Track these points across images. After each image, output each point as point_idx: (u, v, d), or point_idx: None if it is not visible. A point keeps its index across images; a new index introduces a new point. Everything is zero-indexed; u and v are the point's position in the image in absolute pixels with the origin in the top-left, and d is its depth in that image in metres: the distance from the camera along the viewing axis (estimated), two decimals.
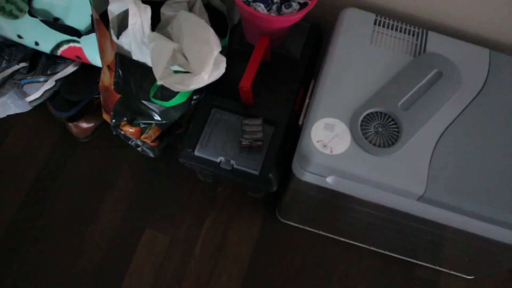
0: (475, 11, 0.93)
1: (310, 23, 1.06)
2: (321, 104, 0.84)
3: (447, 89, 0.87)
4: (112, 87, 1.01)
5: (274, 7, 0.93)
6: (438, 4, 0.94)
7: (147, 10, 0.89)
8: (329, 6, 1.02)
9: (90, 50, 1.19)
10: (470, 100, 0.88)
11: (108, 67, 1.00)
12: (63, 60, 1.27)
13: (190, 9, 1.07)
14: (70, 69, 1.27)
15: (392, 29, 0.94)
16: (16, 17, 1.20)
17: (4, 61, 1.28)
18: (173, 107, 1.02)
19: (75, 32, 1.16)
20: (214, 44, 0.86)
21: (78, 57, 1.22)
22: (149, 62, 0.93)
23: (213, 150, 0.93)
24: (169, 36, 0.96)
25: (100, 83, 1.08)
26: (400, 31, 0.94)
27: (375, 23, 0.94)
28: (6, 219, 1.21)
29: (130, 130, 1.11)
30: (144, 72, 0.93)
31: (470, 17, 0.95)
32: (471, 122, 0.85)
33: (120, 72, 0.95)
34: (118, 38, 0.94)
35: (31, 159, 1.28)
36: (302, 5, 0.92)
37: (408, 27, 0.94)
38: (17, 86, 1.24)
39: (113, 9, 0.95)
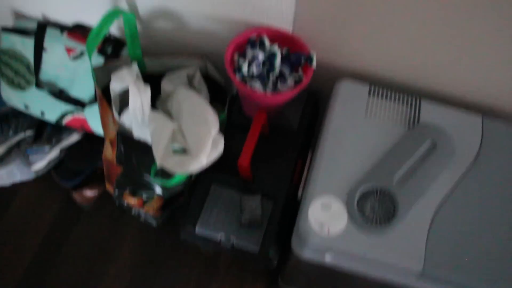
0: (466, 77, 0.97)
1: (307, 92, 1.10)
2: (317, 182, 0.87)
3: (441, 160, 0.90)
4: (115, 161, 1.06)
5: (270, 83, 0.97)
6: (431, 71, 0.98)
7: (147, 91, 0.94)
8: (324, 77, 1.07)
9: (94, 121, 1.25)
10: (464, 170, 0.90)
11: (111, 142, 1.05)
12: (68, 130, 1.32)
13: (190, 81, 1.12)
14: (75, 138, 1.33)
15: (386, 98, 0.97)
16: (23, 88, 1.27)
17: (11, 130, 1.35)
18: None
19: (79, 103, 1.22)
20: (212, 124, 0.91)
21: (82, 127, 1.28)
22: (149, 140, 0.97)
23: (213, 227, 0.96)
24: (169, 113, 1.01)
25: (103, 156, 1.13)
26: (394, 100, 0.97)
27: (369, 94, 0.98)
28: None
29: (133, 201, 1.15)
30: (145, 149, 0.98)
31: (462, 83, 0.99)
32: (466, 194, 0.87)
33: (122, 148, 1.00)
34: (119, 115, 0.99)
35: (35, 227, 1.32)
36: (298, 81, 0.97)
37: (401, 96, 0.98)
38: (23, 155, 1.30)
39: (115, 87, 1.01)
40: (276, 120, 1.06)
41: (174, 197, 1.19)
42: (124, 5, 1.09)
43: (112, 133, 1.02)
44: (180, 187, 1.09)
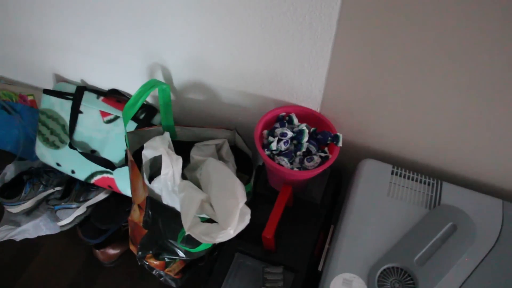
0: (487, 162, 1.00)
1: (331, 168, 1.14)
2: (339, 259, 0.90)
3: (461, 243, 0.92)
4: (141, 224, 1.09)
5: (297, 159, 1.02)
6: (452, 155, 1.01)
7: (179, 162, 0.99)
8: (347, 155, 1.11)
9: (122, 182, 1.30)
10: (485, 254, 0.92)
11: (139, 206, 1.08)
12: (96, 188, 1.37)
13: (218, 151, 1.17)
14: (101, 196, 1.37)
15: (408, 179, 1.01)
16: (57, 147, 1.33)
17: (42, 186, 1.40)
18: None
19: (109, 165, 1.27)
20: (240, 196, 0.94)
21: (110, 186, 1.32)
22: (177, 207, 1.01)
23: None
24: (197, 181, 1.05)
25: (130, 217, 1.17)
26: (416, 181, 1.00)
27: (392, 173, 1.02)
28: None
29: (155, 262, 1.18)
30: (172, 215, 1.01)
31: (483, 168, 1.02)
32: (486, 279, 0.89)
33: (150, 213, 1.03)
34: (150, 181, 1.04)
35: (57, 281, 1.34)
36: (323, 158, 1.01)
37: (423, 178, 1.01)
38: (51, 210, 1.34)
39: (147, 154, 1.06)
40: (300, 193, 1.10)
41: (195, 261, 1.21)
42: (159, 76, 1.15)
43: (141, 197, 1.06)
44: (203, 252, 1.11)
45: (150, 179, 1.04)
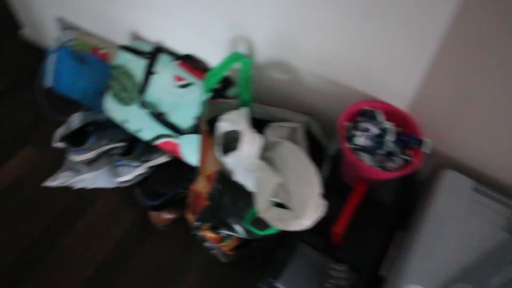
0: None
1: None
2: (409, 269, 0.87)
3: None
4: (206, 195, 1.08)
5: (378, 157, 0.98)
6: None
7: (259, 141, 0.97)
8: (427, 162, 1.07)
9: (187, 149, 1.28)
10: None
11: (207, 177, 1.07)
12: (158, 150, 1.36)
13: (292, 134, 1.14)
14: (163, 159, 1.37)
15: (490, 198, 0.96)
16: (126, 104, 1.32)
17: (105, 139, 1.40)
18: None
19: (176, 130, 1.26)
20: (316, 186, 0.92)
21: (172, 151, 1.32)
22: (249, 186, 0.99)
23: (294, 286, 0.96)
24: (271, 162, 1.03)
25: (193, 186, 1.16)
26: (499, 202, 0.96)
27: (473, 189, 0.97)
28: None
29: (210, 235, 1.17)
30: (242, 193, 1.00)
31: None
32: None
33: (218, 186, 1.02)
34: (223, 155, 1.02)
35: (107, 235, 1.35)
36: (406, 161, 0.97)
37: (505, 200, 0.96)
38: (112, 164, 1.35)
39: (224, 127, 1.04)
40: (370, 191, 1.06)
41: (250, 239, 1.20)
42: (242, 49, 1.12)
43: (211, 169, 1.05)
44: (265, 235, 1.10)
45: (223, 152, 1.02)
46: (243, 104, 1.14)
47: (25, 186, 1.44)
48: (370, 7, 0.83)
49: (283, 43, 1.03)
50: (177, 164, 1.35)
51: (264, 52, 1.10)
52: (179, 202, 1.34)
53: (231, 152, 1.01)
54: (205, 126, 1.06)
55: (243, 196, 1.00)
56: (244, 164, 0.97)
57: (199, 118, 1.21)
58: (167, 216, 1.32)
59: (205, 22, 1.12)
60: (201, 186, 1.10)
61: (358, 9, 0.85)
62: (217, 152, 1.01)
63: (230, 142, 1.09)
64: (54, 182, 1.40)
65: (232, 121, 1.01)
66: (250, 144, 0.95)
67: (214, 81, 1.03)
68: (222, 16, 1.07)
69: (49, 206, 1.40)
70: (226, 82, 1.24)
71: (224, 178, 1.00)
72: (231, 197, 1.02)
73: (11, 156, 1.51)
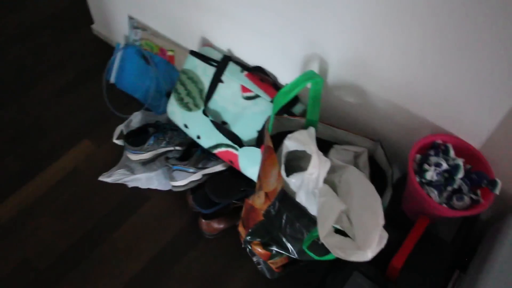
0: None
1: None
2: None
3: None
4: (262, 212, 1.08)
5: (445, 194, 0.96)
6: None
7: (327, 165, 0.96)
8: (494, 204, 1.04)
9: (245, 161, 1.29)
10: None
11: (266, 194, 1.07)
12: (215, 158, 1.38)
13: (356, 159, 1.13)
14: (219, 168, 1.38)
15: None
16: (189, 109, 1.35)
17: (164, 142, 1.43)
18: None
19: (237, 141, 1.27)
20: (381, 217, 0.90)
21: (231, 161, 1.33)
22: (310, 209, 0.99)
23: None
24: (334, 186, 1.03)
25: (250, 200, 1.16)
26: None
27: None
28: (116, 287, 1.31)
29: (260, 250, 1.17)
30: (301, 215, 0.99)
31: None
32: None
33: (278, 205, 1.02)
34: (287, 175, 1.02)
35: (155, 237, 1.38)
36: (474, 201, 0.95)
37: None
38: (168, 168, 1.37)
39: (290, 145, 1.04)
40: (430, 225, 1.04)
41: (300, 261, 1.20)
42: (314, 67, 1.12)
43: (272, 186, 1.05)
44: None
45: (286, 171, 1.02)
46: (310, 123, 1.14)
47: (80, 178, 1.48)
48: (463, 38, 0.81)
49: (358, 66, 1.03)
50: (233, 174, 1.36)
51: (336, 73, 1.10)
52: (230, 213, 1.35)
53: (292, 171, 1.01)
54: (269, 143, 1.06)
55: (302, 218, 0.99)
56: (308, 186, 0.97)
57: (263, 133, 1.23)
58: (217, 225, 1.33)
59: (279, 35, 1.13)
60: (259, 201, 1.10)
61: (448, 40, 0.83)
62: (282, 171, 1.01)
63: (291, 160, 1.09)
64: (109, 178, 1.44)
65: (300, 141, 1.01)
66: (318, 168, 0.94)
67: (285, 100, 1.03)
68: (298, 31, 1.07)
69: (102, 200, 1.44)
70: (293, 99, 1.25)
71: (285, 198, 1.00)
72: (290, 217, 1.02)
73: (70, 147, 1.55)
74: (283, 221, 1.04)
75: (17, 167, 1.50)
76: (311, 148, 0.97)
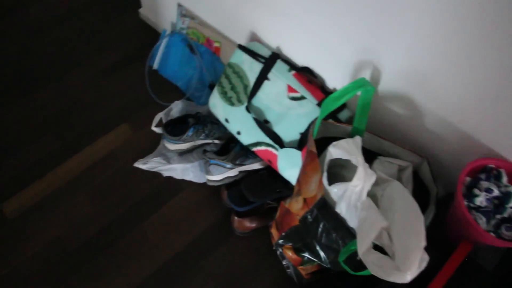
0: None
1: None
2: None
3: None
4: (298, 217, 1.07)
5: (493, 221, 0.93)
6: None
7: (372, 178, 0.94)
8: None
9: (284, 162, 1.28)
10: None
11: (304, 199, 1.06)
12: (254, 156, 1.37)
13: (399, 172, 1.11)
14: (256, 166, 1.38)
15: None
16: (232, 104, 1.34)
17: (204, 134, 1.43)
18: None
19: (278, 141, 1.26)
20: (423, 239, 0.88)
21: (269, 161, 1.32)
22: (349, 221, 0.97)
23: None
24: (375, 199, 1.01)
25: (286, 204, 1.15)
26: None
27: None
28: (142, 275, 1.32)
29: (291, 255, 1.17)
30: (339, 226, 0.98)
31: None
32: None
33: (316, 212, 1.01)
34: (328, 183, 1.01)
35: (186, 229, 1.38)
36: None
37: None
38: (205, 161, 1.37)
39: (334, 153, 1.02)
40: (471, 251, 1.01)
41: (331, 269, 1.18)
42: (366, 74, 1.10)
43: (312, 193, 1.04)
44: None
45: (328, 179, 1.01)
46: (356, 131, 1.12)
47: (115, 163, 1.50)
48: None
49: (414, 77, 1.00)
50: (270, 174, 1.35)
51: (389, 83, 1.08)
52: (264, 212, 1.34)
53: (333, 178, 1.00)
54: (313, 148, 1.05)
55: (340, 229, 0.98)
56: (351, 198, 0.95)
57: (306, 136, 1.21)
58: (249, 224, 1.33)
59: (332, 37, 1.11)
60: (297, 206, 1.09)
61: None
62: (324, 179, 1.00)
63: (332, 167, 1.08)
64: (144, 165, 1.45)
65: (346, 150, 0.99)
66: (362, 180, 0.93)
67: (334, 106, 1.01)
68: (352, 36, 1.05)
69: (136, 187, 1.46)
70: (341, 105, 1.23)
71: (324, 207, 0.99)
72: (327, 227, 1.01)
73: (108, 130, 1.57)
74: (320, 229, 1.03)
75: (54, 145, 1.53)
76: (358, 159, 0.95)
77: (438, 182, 1.07)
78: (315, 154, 1.03)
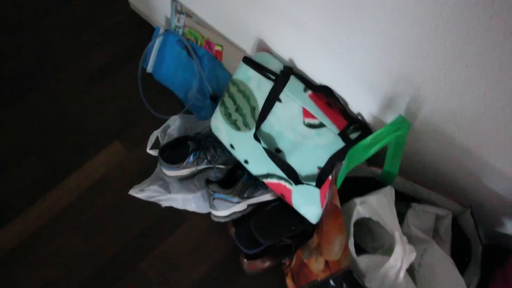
0: None
1: None
2: None
3: None
4: (318, 278, 0.94)
5: None
6: None
7: (412, 256, 0.80)
8: None
9: (300, 198, 1.14)
10: None
11: (327, 262, 0.92)
12: (265, 187, 1.22)
13: (436, 222, 0.96)
14: (267, 197, 1.24)
15: None
16: (238, 128, 1.18)
17: (205, 161, 1.28)
18: None
19: (293, 175, 1.11)
20: None
21: (282, 195, 1.17)
22: None
23: None
24: (412, 268, 0.87)
25: (304, 259, 1.02)
26: None
27: None
28: None
29: None
30: None
31: None
32: None
33: (341, 282, 0.87)
34: (355, 249, 0.87)
35: (190, 268, 1.26)
36: None
37: None
38: (208, 194, 1.22)
39: (362, 212, 0.88)
40: None
41: None
42: (399, 108, 0.93)
43: (336, 257, 0.90)
44: None
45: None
46: (387, 176, 0.97)
47: (109, 189, 1.36)
48: None
49: (461, 116, 0.83)
50: (283, 208, 1.21)
51: (427, 118, 0.91)
52: (277, 251, 1.21)
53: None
54: (337, 201, 0.90)
55: None
56: (385, 277, 0.81)
57: (325, 173, 1.06)
58: (261, 265, 1.20)
59: (358, 56, 0.93)
60: (317, 267, 0.96)
61: None
62: (351, 246, 0.85)
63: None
64: (140, 193, 1.31)
65: (379, 214, 0.85)
66: (400, 260, 0.78)
67: (365, 157, 0.86)
68: (387, 58, 0.87)
69: (132, 219, 1.33)
70: (364, 131, 1.07)
71: (352, 282, 0.85)
72: None
73: (98, 150, 1.42)
74: None
75: (38, 171, 1.38)
76: (394, 232, 0.81)
77: (483, 234, 0.92)
78: (339, 210, 0.89)
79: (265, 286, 1.25)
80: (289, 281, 1.12)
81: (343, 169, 0.91)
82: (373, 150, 0.86)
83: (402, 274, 0.81)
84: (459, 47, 0.71)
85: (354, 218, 0.90)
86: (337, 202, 0.90)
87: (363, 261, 0.86)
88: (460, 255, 0.98)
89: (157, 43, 1.50)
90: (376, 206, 0.87)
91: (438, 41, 0.73)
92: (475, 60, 0.70)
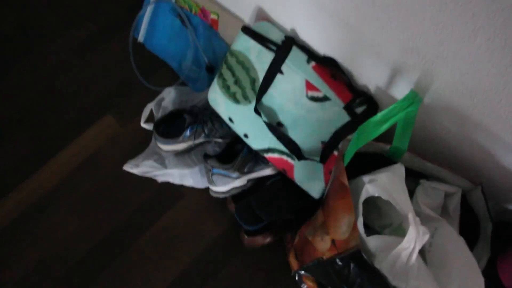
0: None
1: None
2: None
3: None
4: (324, 256, 0.93)
5: None
6: None
7: (425, 238, 0.78)
8: None
9: (302, 174, 1.12)
10: None
11: (333, 240, 0.90)
12: (265, 161, 1.19)
13: (445, 200, 0.95)
14: (268, 172, 1.21)
15: None
16: (237, 101, 1.14)
17: (203, 135, 1.24)
18: None
19: (297, 151, 1.08)
20: None
21: (284, 170, 1.14)
22: (391, 279, 0.82)
23: None
24: (422, 249, 0.85)
25: (309, 237, 1.00)
26: None
27: None
28: None
29: (311, 284, 1.06)
30: (377, 282, 0.83)
31: None
32: None
33: (352, 267, 0.86)
34: (364, 228, 0.85)
35: (190, 244, 1.24)
36: None
37: None
38: (206, 169, 1.19)
39: (371, 191, 0.85)
40: None
41: None
42: (411, 80, 0.90)
43: (343, 236, 0.88)
44: None
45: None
46: (396, 152, 0.94)
47: (102, 165, 1.33)
48: None
49: (477, 92, 0.80)
50: (285, 184, 1.18)
51: (441, 94, 0.87)
52: (278, 227, 1.19)
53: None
54: (345, 179, 0.87)
55: (378, 286, 0.83)
56: (397, 259, 0.79)
57: (330, 149, 1.03)
58: (262, 241, 1.18)
59: (364, 24, 0.89)
60: (322, 246, 0.94)
61: None
62: (359, 227, 0.83)
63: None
64: (135, 168, 1.27)
65: (390, 193, 0.83)
66: (413, 241, 0.76)
67: (375, 134, 0.83)
68: (398, 29, 0.83)
69: (128, 195, 1.29)
70: (371, 105, 1.04)
71: (361, 261, 0.83)
72: (362, 280, 0.86)
73: (89, 125, 1.37)
74: (351, 277, 0.88)
75: (28, 148, 1.33)
76: (408, 213, 0.78)
77: (493, 212, 0.91)
78: (347, 189, 0.87)
79: (265, 261, 1.23)
80: (292, 260, 1.11)
81: (352, 146, 0.88)
82: (384, 127, 0.83)
83: (414, 256, 0.80)
84: (481, 19, 0.67)
85: (362, 197, 0.88)
86: (345, 180, 0.87)
87: (373, 242, 0.84)
88: (467, 233, 0.96)
89: (148, 11, 1.43)
90: (387, 184, 0.85)
91: (458, 11, 0.69)
92: (498, 33, 0.67)
